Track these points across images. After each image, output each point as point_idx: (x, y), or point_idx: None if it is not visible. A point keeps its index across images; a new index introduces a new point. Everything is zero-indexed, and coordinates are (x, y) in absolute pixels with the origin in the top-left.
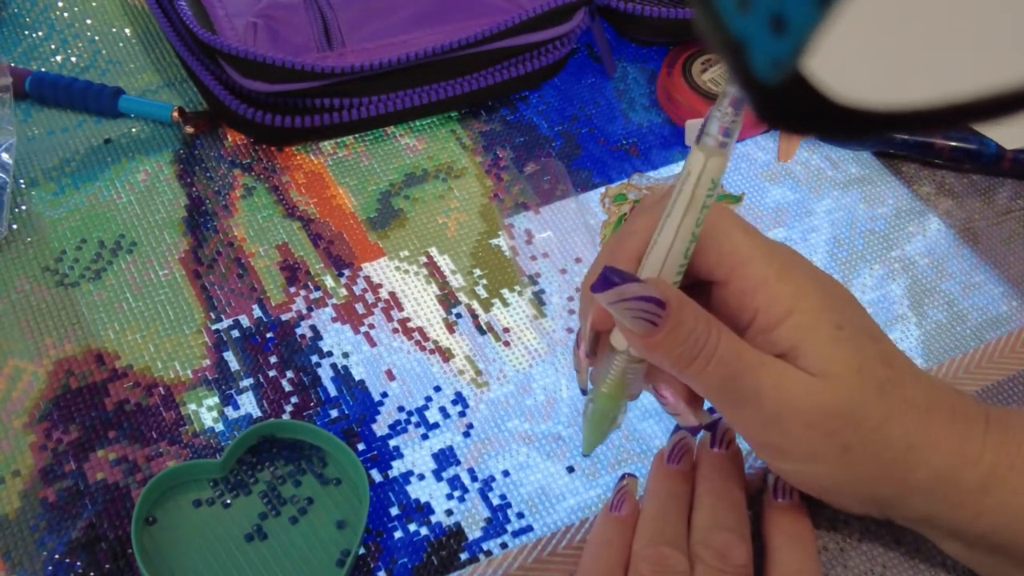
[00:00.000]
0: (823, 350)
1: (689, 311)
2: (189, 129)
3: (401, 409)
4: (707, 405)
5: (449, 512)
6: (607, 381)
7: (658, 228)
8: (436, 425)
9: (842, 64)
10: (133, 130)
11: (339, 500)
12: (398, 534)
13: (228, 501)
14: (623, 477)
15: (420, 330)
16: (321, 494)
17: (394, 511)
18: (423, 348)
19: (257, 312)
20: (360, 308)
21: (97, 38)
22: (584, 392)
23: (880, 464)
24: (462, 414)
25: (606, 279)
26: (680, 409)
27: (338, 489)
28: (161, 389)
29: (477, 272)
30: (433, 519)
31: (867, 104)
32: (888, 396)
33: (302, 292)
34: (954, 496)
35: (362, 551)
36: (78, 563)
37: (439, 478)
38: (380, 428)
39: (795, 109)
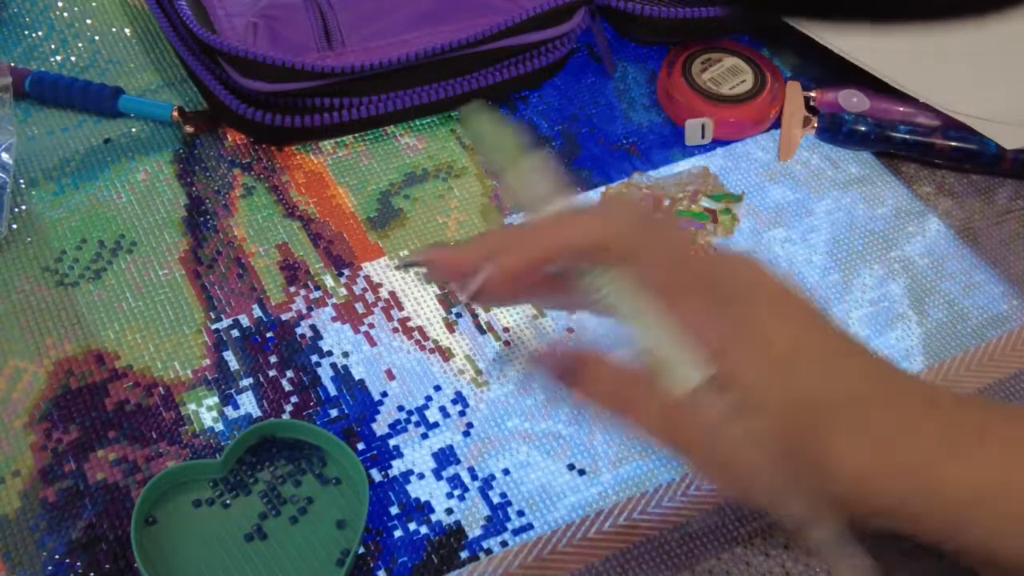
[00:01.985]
0: (759, 381)
1: (604, 370)
2: (189, 129)
3: (401, 408)
4: None
5: (449, 511)
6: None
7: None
8: (436, 424)
9: None
10: (133, 130)
11: (339, 500)
12: (398, 533)
13: (228, 501)
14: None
15: (420, 329)
16: (321, 494)
17: (394, 510)
18: (423, 348)
19: (257, 312)
20: (360, 308)
21: (97, 38)
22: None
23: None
24: (462, 413)
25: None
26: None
27: (338, 489)
28: (161, 389)
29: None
30: (433, 518)
31: None
32: (837, 417)
33: (302, 292)
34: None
35: (361, 550)
36: (78, 563)
37: (439, 477)
38: (380, 427)
39: None
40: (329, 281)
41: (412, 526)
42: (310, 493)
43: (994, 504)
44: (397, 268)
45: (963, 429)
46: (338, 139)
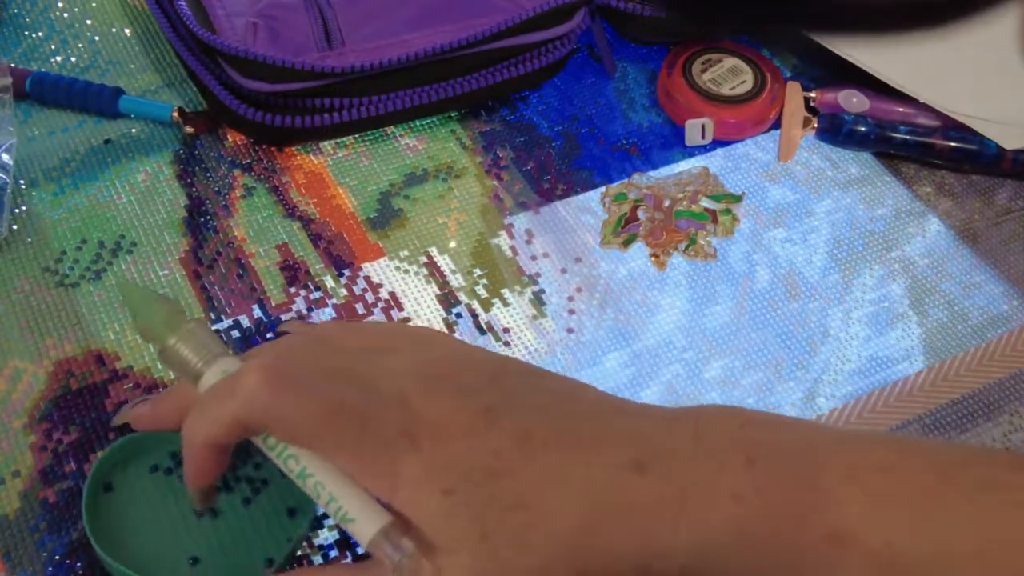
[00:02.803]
0: (436, 525)
1: None
2: (189, 129)
3: None
4: None
5: None
6: None
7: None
8: None
9: None
10: (133, 130)
11: (294, 488)
12: None
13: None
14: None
15: None
16: (277, 479)
17: None
18: None
19: (257, 312)
20: (360, 308)
21: (97, 38)
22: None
23: None
24: None
25: None
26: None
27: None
28: (161, 390)
29: (477, 272)
30: None
31: None
32: (530, 550)
33: (302, 292)
34: None
35: (360, 551)
36: (78, 564)
37: None
38: None
39: None
40: (329, 282)
41: None
42: (267, 476)
43: None
44: (112, 426)
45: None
46: (338, 140)
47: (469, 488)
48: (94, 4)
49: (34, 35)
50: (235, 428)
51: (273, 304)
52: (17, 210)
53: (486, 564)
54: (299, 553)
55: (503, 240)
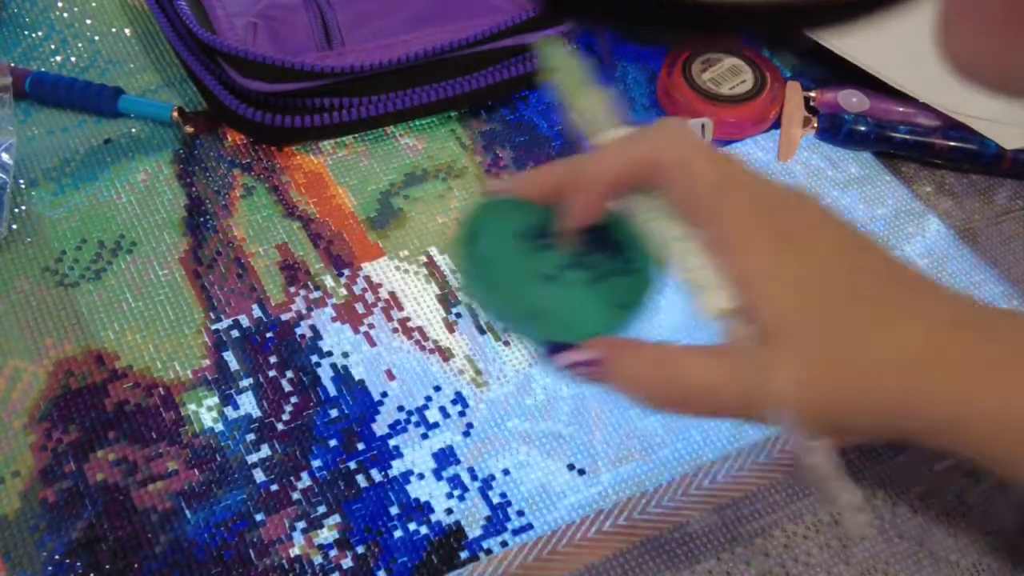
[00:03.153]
0: (783, 317)
1: (625, 358)
2: (189, 129)
3: (401, 409)
4: None
5: (449, 511)
6: None
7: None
8: (436, 425)
9: None
10: (133, 130)
11: (630, 286)
12: (398, 533)
13: (541, 244)
14: None
15: (420, 330)
16: (616, 275)
17: (394, 510)
18: (423, 348)
19: (257, 312)
20: (360, 308)
21: (97, 38)
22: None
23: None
24: (462, 414)
25: (551, 350)
26: None
27: (633, 277)
28: (161, 389)
29: None
30: (433, 518)
31: None
32: (854, 367)
33: (302, 292)
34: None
35: (361, 550)
36: (78, 563)
37: (439, 477)
38: (380, 428)
39: None
40: (329, 281)
41: (412, 526)
42: (608, 269)
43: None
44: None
45: (994, 349)
46: (338, 139)
47: (818, 295)
48: (94, 4)
49: (34, 35)
50: (636, 169)
51: (273, 304)
52: (17, 210)
53: (814, 361)
54: (299, 553)
55: None
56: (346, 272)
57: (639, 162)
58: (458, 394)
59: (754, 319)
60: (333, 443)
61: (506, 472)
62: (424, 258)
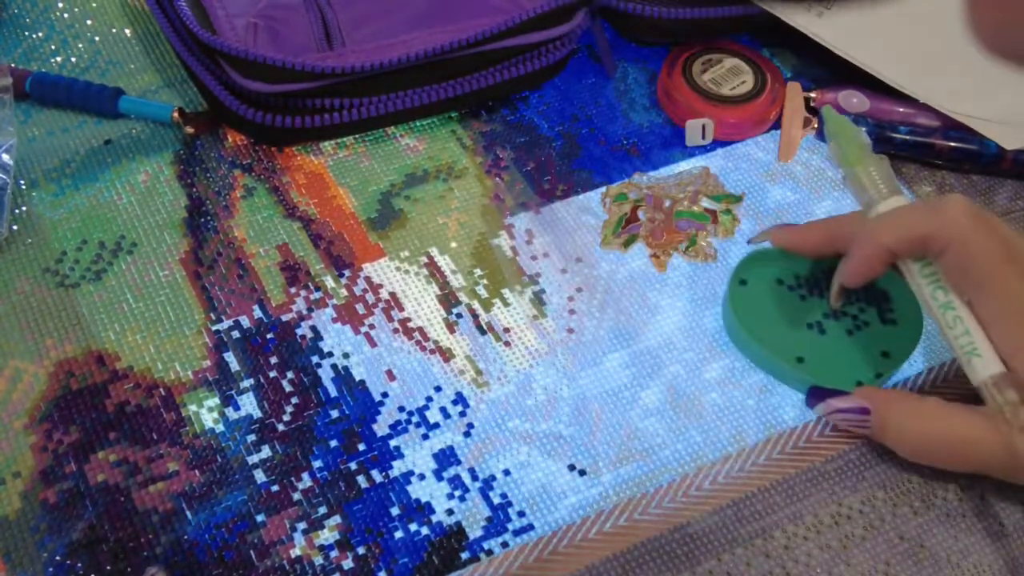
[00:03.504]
0: None
1: (892, 410)
2: (189, 129)
3: (401, 409)
4: None
5: (450, 512)
6: None
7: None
8: (436, 425)
9: None
10: (133, 131)
11: (890, 335)
12: (398, 534)
13: (804, 294)
14: None
15: (420, 330)
16: (877, 325)
17: (395, 511)
18: (423, 348)
19: (257, 313)
20: (360, 308)
21: (97, 38)
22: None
23: None
24: (463, 414)
25: (813, 395)
26: None
27: (893, 328)
28: (161, 390)
29: (478, 272)
30: (434, 519)
31: None
32: None
33: (302, 292)
34: None
35: (361, 551)
36: (79, 564)
37: (440, 478)
38: (380, 428)
39: None
40: (329, 282)
41: (412, 527)
42: (869, 319)
43: None
44: (749, 243)
45: None
46: (338, 140)
47: None
48: (94, 4)
49: (34, 35)
50: (916, 240)
51: (273, 304)
52: (17, 210)
53: None
54: (299, 554)
55: (503, 240)
56: (347, 273)
57: (920, 234)
58: (459, 394)
59: (1021, 387)
60: (334, 444)
61: (507, 473)
62: (425, 259)
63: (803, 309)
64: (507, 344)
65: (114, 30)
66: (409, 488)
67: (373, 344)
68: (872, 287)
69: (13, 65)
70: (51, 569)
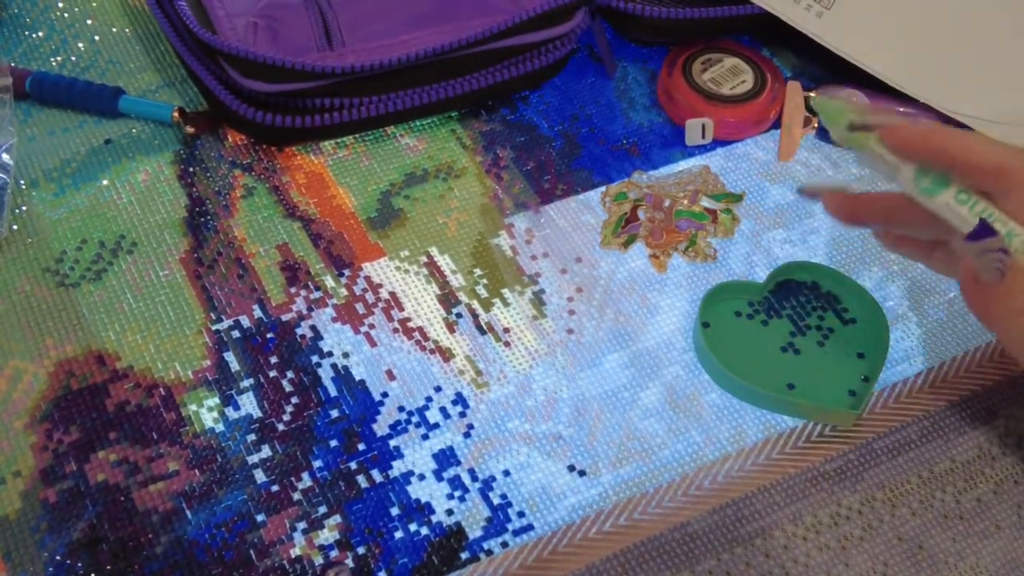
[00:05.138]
0: None
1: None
2: (189, 129)
3: (401, 409)
4: None
5: (450, 512)
6: None
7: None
8: (436, 425)
9: None
10: (133, 130)
11: (857, 336)
12: (398, 534)
13: (764, 320)
14: None
15: (420, 330)
16: (840, 328)
17: (394, 511)
18: (423, 348)
19: (257, 312)
20: (360, 308)
21: (97, 38)
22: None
23: None
24: (462, 414)
25: (983, 229)
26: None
27: (855, 327)
28: (161, 390)
29: (477, 272)
30: (434, 519)
31: None
32: None
33: (302, 292)
34: None
35: (361, 551)
36: (79, 564)
37: (439, 478)
38: (380, 428)
39: None
40: (329, 281)
41: (412, 527)
42: (832, 326)
43: None
44: (798, 191)
45: None
46: (338, 140)
47: None
48: (94, 4)
49: (34, 35)
50: (990, 170)
51: (273, 304)
52: (17, 210)
53: None
54: (299, 554)
55: (503, 240)
56: (346, 272)
57: (998, 164)
58: (458, 395)
59: None
60: (334, 443)
61: (507, 473)
62: (424, 258)
63: (769, 335)
64: (507, 344)
65: (114, 29)
66: (409, 488)
67: (373, 344)
68: (819, 292)
69: (13, 65)
70: (51, 568)
